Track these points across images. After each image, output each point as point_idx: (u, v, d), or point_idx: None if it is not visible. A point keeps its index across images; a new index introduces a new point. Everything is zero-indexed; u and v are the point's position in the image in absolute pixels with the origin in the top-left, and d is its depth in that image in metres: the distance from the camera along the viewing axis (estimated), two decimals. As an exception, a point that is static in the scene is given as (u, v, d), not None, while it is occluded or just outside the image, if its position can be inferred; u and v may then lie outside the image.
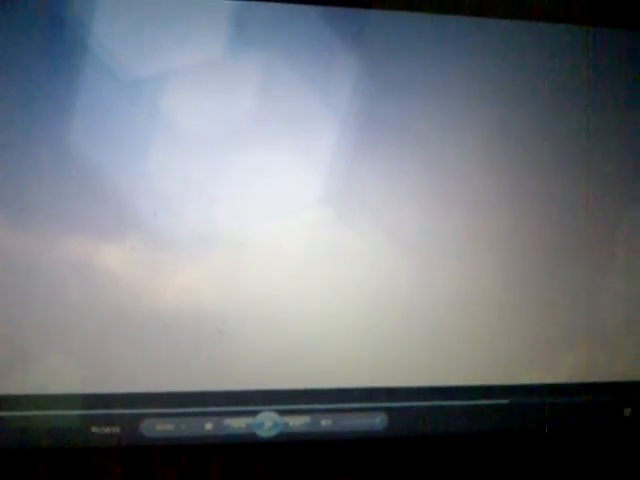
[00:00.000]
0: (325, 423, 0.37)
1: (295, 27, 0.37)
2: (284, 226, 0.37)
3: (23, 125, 0.35)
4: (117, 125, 0.35)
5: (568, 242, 0.40)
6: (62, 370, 0.35)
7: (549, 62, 0.39)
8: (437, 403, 0.38)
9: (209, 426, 0.36)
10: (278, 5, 0.36)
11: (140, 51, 0.36)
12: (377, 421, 0.38)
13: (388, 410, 0.38)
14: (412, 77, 0.38)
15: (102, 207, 0.35)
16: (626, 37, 0.39)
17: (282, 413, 0.37)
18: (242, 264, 0.37)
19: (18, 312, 0.35)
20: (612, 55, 0.39)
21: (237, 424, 0.37)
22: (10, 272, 0.34)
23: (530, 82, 0.39)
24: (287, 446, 0.38)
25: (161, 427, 0.36)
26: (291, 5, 0.36)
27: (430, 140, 0.38)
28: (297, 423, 0.37)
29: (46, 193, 0.35)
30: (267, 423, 0.37)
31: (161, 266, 0.36)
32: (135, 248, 0.36)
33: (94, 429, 0.35)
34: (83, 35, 0.35)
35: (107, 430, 0.35)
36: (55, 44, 0.35)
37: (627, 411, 0.40)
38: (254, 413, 0.37)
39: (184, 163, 0.36)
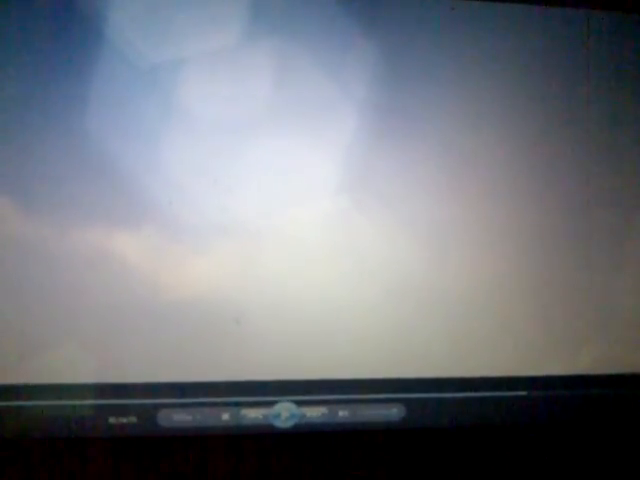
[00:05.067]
0: (342, 414, 0.37)
1: (311, 14, 0.36)
2: (300, 216, 0.37)
3: (39, 114, 0.34)
4: (133, 113, 0.35)
5: (587, 232, 0.39)
6: (79, 360, 0.35)
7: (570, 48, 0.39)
8: (454, 395, 0.38)
9: (226, 416, 0.36)
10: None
11: (155, 39, 0.35)
12: (394, 412, 0.38)
13: (405, 401, 0.38)
14: (428, 66, 0.37)
15: (118, 195, 0.35)
16: None
17: (299, 404, 0.37)
18: (258, 254, 0.36)
19: (35, 302, 0.34)
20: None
21: (254, 414, 0.36)
22: (27, 262, 0.34)
23: (547, 68, 0.38)
24: (304, 437, 0.38)
25: (178, 417, 0.36)
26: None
27: (446, 131, 0.38)
28: (314, 414, 0.37)
29: (62, 182, 0.35)
30: (284, 414, 0.37)
31: (177, 255, 0.36)
32: (151, 237, 0.35)
33: (111, 419, 0.35)
34: (98, 23, 0.35)
35: (124, 420, 0.35)
36: (70, 32, 0.35)
37: (647, 403, 0.40)
38: (271, 404, 0.37)
39: (200, 151, 0.36)
